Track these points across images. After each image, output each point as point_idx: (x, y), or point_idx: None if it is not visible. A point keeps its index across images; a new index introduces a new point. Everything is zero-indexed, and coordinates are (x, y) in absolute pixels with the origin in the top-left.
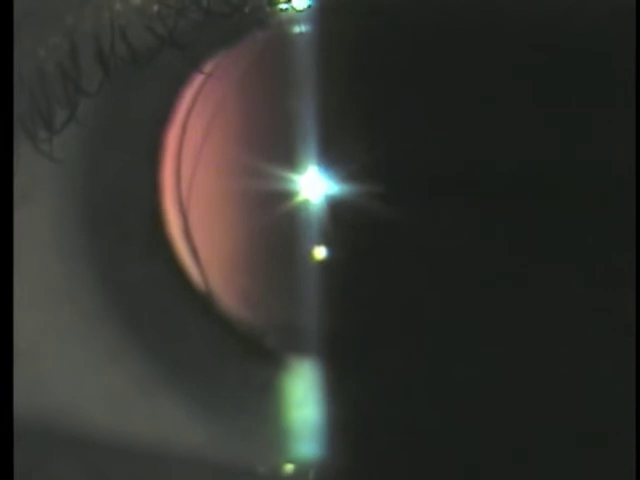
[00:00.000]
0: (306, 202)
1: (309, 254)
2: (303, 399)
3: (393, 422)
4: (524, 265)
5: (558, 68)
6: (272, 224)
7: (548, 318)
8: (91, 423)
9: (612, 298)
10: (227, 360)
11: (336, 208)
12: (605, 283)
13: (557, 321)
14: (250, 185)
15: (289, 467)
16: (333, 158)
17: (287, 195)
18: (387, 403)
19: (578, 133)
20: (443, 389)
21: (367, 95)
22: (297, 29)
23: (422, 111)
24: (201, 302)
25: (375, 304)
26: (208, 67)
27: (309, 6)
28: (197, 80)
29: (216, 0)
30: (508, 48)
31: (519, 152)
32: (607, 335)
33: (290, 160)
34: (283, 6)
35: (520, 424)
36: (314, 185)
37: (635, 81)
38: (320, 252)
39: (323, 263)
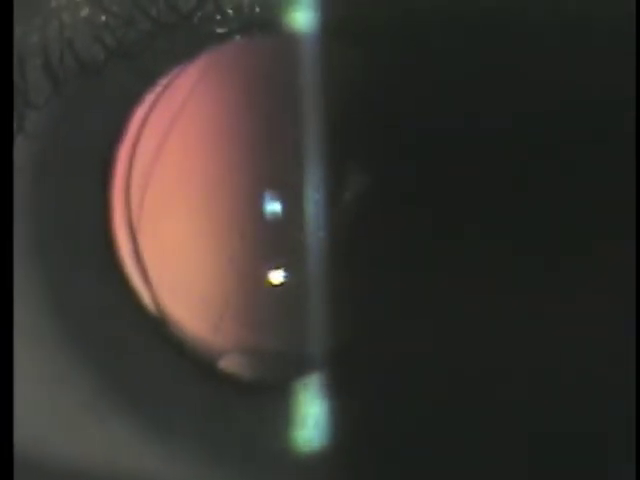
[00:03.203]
0: (263, 221)
1: (264, 275)
2: (264, 424)
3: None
4: (524, 268)
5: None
6: (225, 245)
7: (552, 320)
8: (44, 449)
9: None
10: (182, 383)
11: (293, 228)
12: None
13: (559, 321)
14: (203, 206)
15: None
16: (289, 176)
17: (241, 215)
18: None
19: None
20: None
21: (323, 110)
22: (253, 40)
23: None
24: (153, 324)
25: (338, 326)
26: (161, 82)
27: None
28: (149, 97)
29: (165, 10)
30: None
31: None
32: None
33: (246, 180)
34: (232, 15)
35: (522, 427)
36: (271, 204)
37: (635, 81)
38: (276, 274)
39: (279, 285)
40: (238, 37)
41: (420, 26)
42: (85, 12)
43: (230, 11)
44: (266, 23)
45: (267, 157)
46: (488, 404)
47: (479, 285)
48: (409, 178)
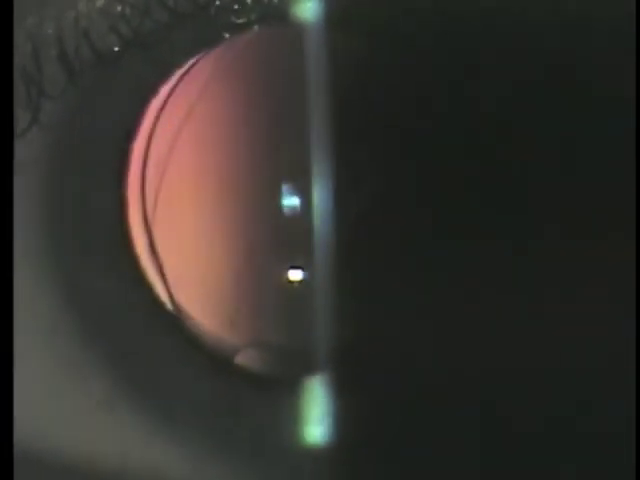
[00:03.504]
0: (279, 217)
1: (279, 271)
2: (276, 419)
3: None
4: (524, 268)
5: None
6: (241, 239)
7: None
8: (53, 444)
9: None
10: (196, 378)
11: (308, 224)
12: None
13: (559, 321)
14: (218, 200)
15: None
16: (306, 170)
17: (257, 210)
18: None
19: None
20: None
21: (341, 104)
22: (271, 31)
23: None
24: (168, 319)
25: (352, 321)
26: (176, 73)
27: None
28: (165, 88)
29: (181, 0)
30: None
31: None
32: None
33: (262, 174)
34: (251, 5)
35: (522, 427)
36: (287, 200)
37: (635, 81)
38: (292, 271)
39: (295, 282)
40: (256, 28)
41: (420, 26)
42: (101, 2)
43: (248, 1)
44: (284, 14)
45: (283, 150)
46: (488, 404)
47: (479, 285)
48: (409, 178)
